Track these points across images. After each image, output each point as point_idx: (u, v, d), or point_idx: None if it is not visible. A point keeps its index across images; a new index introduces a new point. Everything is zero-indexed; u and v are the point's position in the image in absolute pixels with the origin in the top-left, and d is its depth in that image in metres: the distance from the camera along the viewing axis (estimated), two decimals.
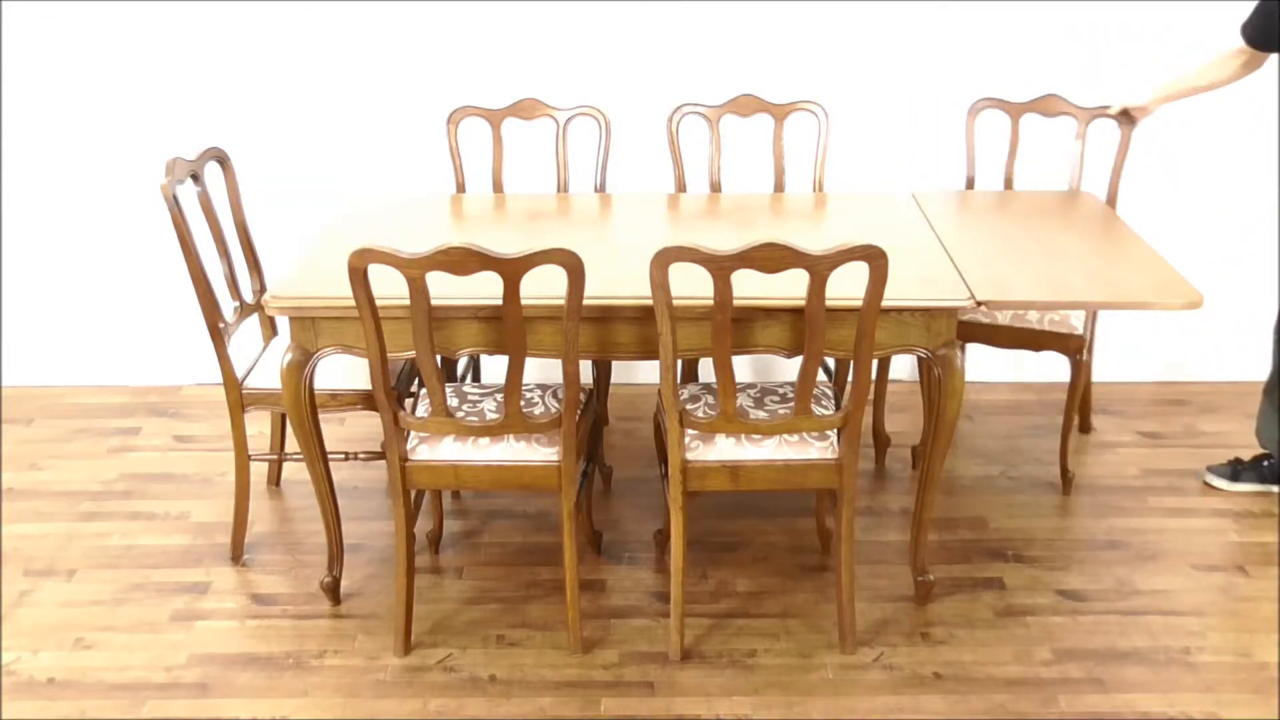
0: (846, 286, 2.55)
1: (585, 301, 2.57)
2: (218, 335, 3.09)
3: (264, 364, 3.26)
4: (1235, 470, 3.57)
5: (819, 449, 2.82)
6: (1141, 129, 3.97)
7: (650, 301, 2.56)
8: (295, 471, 3.67)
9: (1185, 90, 3.46)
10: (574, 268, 2.50)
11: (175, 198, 2.99)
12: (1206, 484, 3.59)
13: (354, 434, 3.93)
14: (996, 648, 2.95)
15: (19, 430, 4.07)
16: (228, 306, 3.22)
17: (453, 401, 2.93)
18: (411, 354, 2.69)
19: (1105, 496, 3.57)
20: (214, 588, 3.21)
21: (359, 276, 2.52)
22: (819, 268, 2.48)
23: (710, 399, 2.96)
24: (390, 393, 2.71)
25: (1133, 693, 2.80)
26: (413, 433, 2.84)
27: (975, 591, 3.17)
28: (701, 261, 2.47)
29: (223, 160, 3.28)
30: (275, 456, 3.50)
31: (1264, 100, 4.02)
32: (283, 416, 3.44)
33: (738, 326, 2.70)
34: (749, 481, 2.83)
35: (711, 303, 2.53)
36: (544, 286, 2.60)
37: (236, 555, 3.31)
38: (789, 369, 2.83)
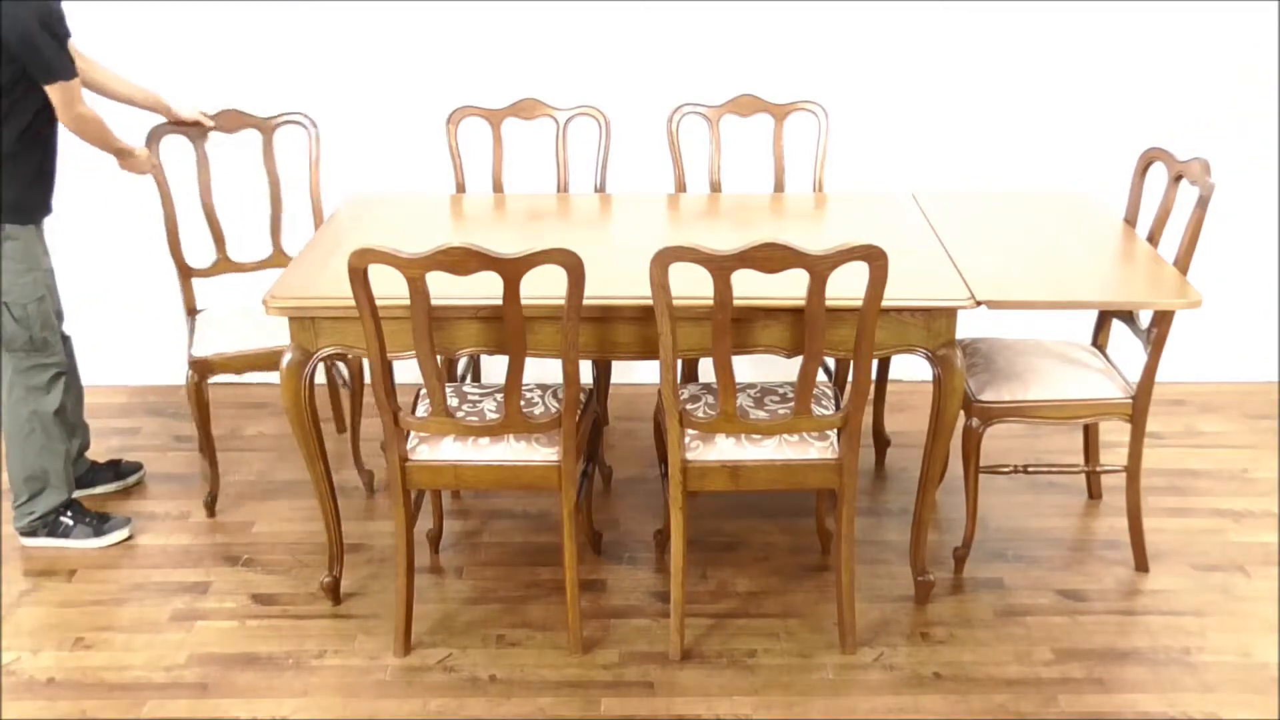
0: (846, 286, 2.55)
1: (585, 301, 2.57)
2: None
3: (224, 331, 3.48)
4: None
5: (819, 449, 2.82)
6: (1138, 134, 3.98)
7: (650, 301, 2.56)
8: (296, 472, 3.68)
9: None
10: (574, 268, 2.50)
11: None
12: None
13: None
14: (996, 648, 2.95)
15: None
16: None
17: (453, 401, 2.93)
18: (412, 354, 2.69)
19: (1105, 496, 3.57)
20: (214, 588, 3.20)
21: (359, 276, 2.52)
22: (819, 268, 2.48)
23: (710, 399, 2.96)
24: (391, 392, 2.72)
25: (1133, 693, 2.80)
26: (413, 433, 2.84)
27: (975, 591, 3.17)
28: (701, 261, 2.47)
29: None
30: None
31: (1263, 100, 4.03)
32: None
33: (738, 326, 2.70)
34: (749, 481, 2.83)
35: (711, 303, 2.53)
36: (544, 286, 2.60)
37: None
38: (789, 369, 2.83)
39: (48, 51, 2.92)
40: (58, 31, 2.94)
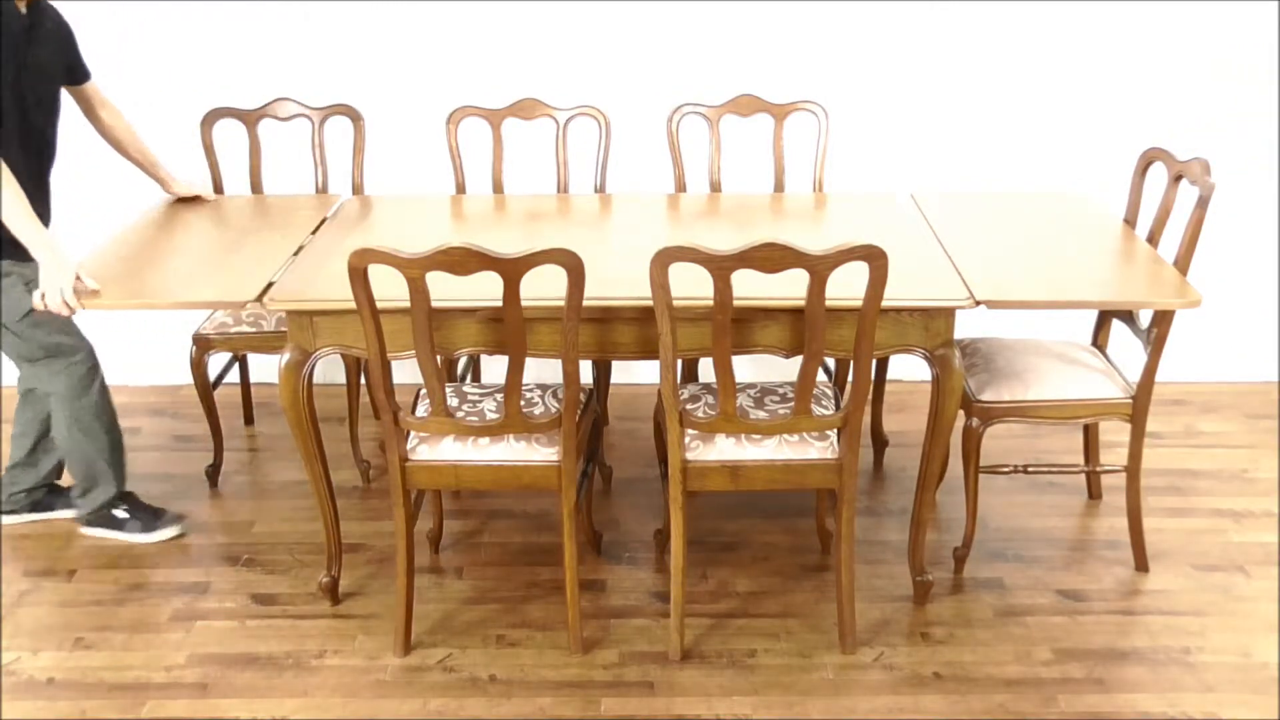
0: (846, 286, 2.55)
1: (585, 301, 2.57)
2: None
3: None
4: None
5: (819, 449, 2.82)
6: (1138, 134, 3.98)
7: (650, 301, 2.56)
8: (296, 472, 3.67)
9: None
10: (574, 268, 2.50)
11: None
12: None
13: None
14: (996, 648, 2.95)
15: None
16: None
17: (453, 401, 2.93)
18: (412, 354, 2.69)
19: (1105, 496, 3.57)
20: (214, 588, 3.21)
21: (359, 276, 2.52)
22: (819, 268, 2.48)
23: (710, 399, 2.96)
24: (391, 392, 2.72)
25: (1133, 693, 2.80)
26: (413, 433, 2.84)
27: (975, 591, 3.17)
28: (701, 261, 2.47)
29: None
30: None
31: (1263, 100, 4.02)
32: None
33: (738, 326, 2.70)
34: (749, 481, 2.83)
35: (711, 303, 2.53)
36: (544, 286, 2.60)
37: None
38: (789, 369, 2.83)
39: None
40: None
